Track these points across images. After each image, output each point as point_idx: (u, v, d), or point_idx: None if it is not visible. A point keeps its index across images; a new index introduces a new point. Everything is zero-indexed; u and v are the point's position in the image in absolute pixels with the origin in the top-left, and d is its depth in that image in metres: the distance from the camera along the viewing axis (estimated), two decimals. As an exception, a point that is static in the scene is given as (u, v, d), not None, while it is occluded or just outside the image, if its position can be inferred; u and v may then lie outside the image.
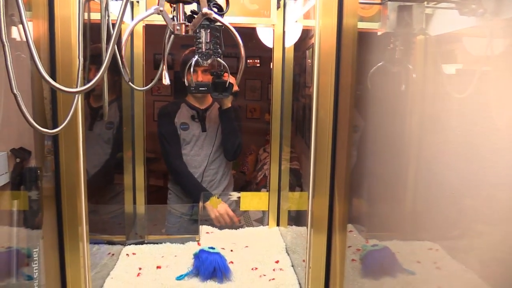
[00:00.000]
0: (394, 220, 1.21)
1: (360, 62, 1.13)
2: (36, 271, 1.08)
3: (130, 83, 1.13)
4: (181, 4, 0.71)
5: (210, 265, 1.39)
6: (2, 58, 0.68)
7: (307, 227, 1.16)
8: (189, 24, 0.72)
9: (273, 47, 1.85)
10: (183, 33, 0.73)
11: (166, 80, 0.98)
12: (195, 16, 0.76)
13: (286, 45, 1.83)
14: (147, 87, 1.12)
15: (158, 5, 0.71)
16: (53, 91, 1.07)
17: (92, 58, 1.36)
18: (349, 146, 1.12)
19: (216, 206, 1.95)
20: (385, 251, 1.29)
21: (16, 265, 1.09)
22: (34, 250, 1.07)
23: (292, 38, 1.80)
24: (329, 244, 1.15)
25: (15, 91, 0.70)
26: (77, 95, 0.91)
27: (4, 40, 0.67)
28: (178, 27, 0.72)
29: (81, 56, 0.94)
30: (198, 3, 0.73)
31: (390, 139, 1.15)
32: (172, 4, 0.73)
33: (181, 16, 0.72)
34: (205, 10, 0.72)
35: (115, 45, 0.74)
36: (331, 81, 1.10)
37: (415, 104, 1.10)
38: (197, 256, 1.44)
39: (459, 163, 0.78)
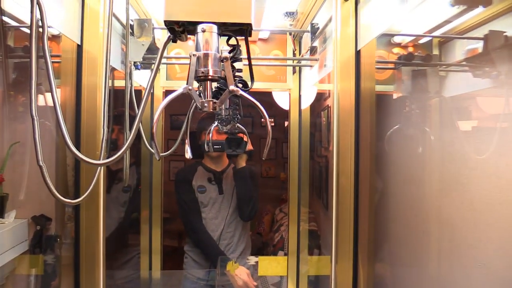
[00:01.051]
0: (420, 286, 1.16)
1: (378, 124, 1.14)
2: None
3: (151, 148, 1.15)
4: (208, 81, 0.74)
5: None
6: (29, 129, 0.70)
7: None
8: (216, 101, 0.74)
9: (290, 109, 1.89)
10: (211, 110, 0.75)
11: (188, 154, 1.01)
12: (221, 91, 0.79)
13: (302, 107, 1.86)
14: (167, 153, 1.13)
15: (187, 84, 0.73)
16: (77, 159, 1.09)
17: (116, 119, 1.40)
18: (371, 209, 1.10)
19: (234, 271, 1.90)
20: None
21: None
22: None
23: (307, 100, 1.84)
24: None
25: (41, 163, 0.71)
26: (99, 169, 0.92)
27: (34, 114, 0.69)
28: (206, 104, 0.74)
29: (105, 125, 0.96)
30: (225, 80, 0.76)
31: (409, 201, 1.13)
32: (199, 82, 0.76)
33: (209, 93, 0.74)
34: (232, 87, 0.74)
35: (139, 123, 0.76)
36: (351, 142, 1.10)
37: (433, 165, 1.09)
38: None
39: (483, 226, 0.76)
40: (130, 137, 0.70)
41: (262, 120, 4.58)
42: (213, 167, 2.10)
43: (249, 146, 1.99)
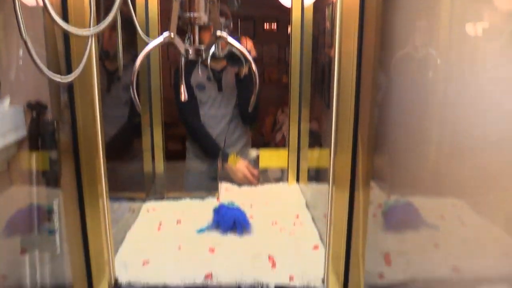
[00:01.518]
0: (417, 176, 1.17)
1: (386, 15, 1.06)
2: (57, 225, 1.09)
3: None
4: (195, 27, 0.69)
5: (229, 219, 1.38)
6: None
7: (329, 184, 1.14)
8: (201, 48, 0.70)
9: (292, 6, 1.78)
10: (195, 58, 0.72)
11: (184, 96, 0.98)
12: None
13: (305, 3, 1.76)
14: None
15: (170, 30, 0.69)
16: (66, 42, 1.04)
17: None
18: (372, 101, 1.07)
19: (235, 164, 1.94)
20: (407, 206, 1.26)
21: (38, 220, 1.10)
22: (55, 205, 1.07)
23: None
24: (351, 200, 1.13)
25: (24, 36, 0.67)
26: (90, 40, 0.88)
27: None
28: (190, 52, 0.71)
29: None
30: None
31: (414, 93, 1.09)
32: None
33: (196, 39, 0.71)
34: (219, 32, 0.71)
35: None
36: (354, 37, 1.04)
37: (441, 63, 1.04)
38: (217, 210, 1.44)
39: (485, 117, 0.74)
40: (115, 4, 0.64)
41: (265, 25, 4.43)
42: (212, 66, 2.05)
43: (253, 53, 1.93)
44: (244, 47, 1.67)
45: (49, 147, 1.12)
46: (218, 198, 1.71)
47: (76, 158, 1.08)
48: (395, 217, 1.28)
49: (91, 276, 1.11)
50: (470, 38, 0.77)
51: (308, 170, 1.91)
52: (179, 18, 0.69)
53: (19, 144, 1.07)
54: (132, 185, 1.84)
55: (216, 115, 2.07)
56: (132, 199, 1.66)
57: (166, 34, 0.68)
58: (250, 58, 0.78)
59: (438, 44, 0.98)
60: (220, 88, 2.04)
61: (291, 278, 1.18)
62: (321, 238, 1.40)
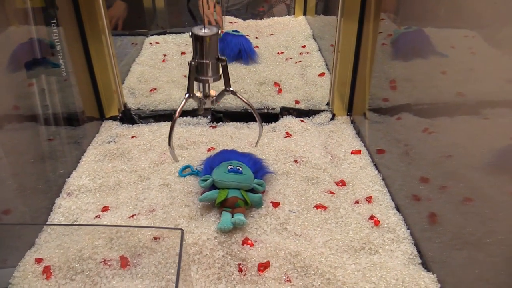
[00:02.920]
0: (429, 6, 1.09)
1: None
2: (62, 59, 1.06)
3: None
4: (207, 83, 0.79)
5: (235, 47, 1.35)
6: None
7: (337, 14, 1.07)
8: (214, 98, 0.81)
9: None
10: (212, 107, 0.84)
11: None
12: None
13: None
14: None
15: (188, 92, 0.79)
16: None
17: None
18: None
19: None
20: (418, 33, 1.21)
21: (41, 54, 1.07)
22: (56, 41, 1.03)
23: None
24: (360, 30, 1.08)
25: None
26: None
27: None
28: (205, 102, 0.82)
29: None
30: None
31: None
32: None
33: (208, 92, 0.81)
34: (230, 89, 0.81)
35: None
36: None
37: None
38: (221, 39, 1.39)
39: None
40: None
41: None
42: None
43: None
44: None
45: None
46: (221, 30, 1.65)
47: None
48: (405, 43, 1.24)
49: (101, 103, 1.13)
50: None
51: (316, 2, 1.80)
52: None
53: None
54: (133, 21, 1.77)
55: None
56: (134, 34, 1.60)
57: (186, 95, 0.78)
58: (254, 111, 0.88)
59: None
60: None
61: (296, 102, 1.19)
62: (327, 67, 1.38)
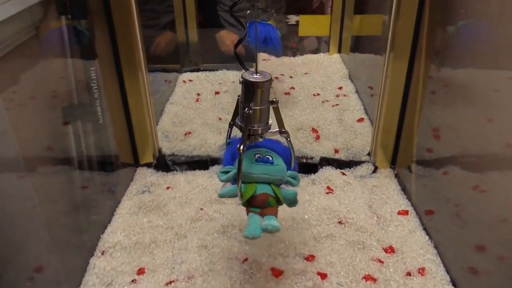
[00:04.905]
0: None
1: None
2: (98, 99, 1.04)
3: None
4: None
5: (261, 34, 1.24)
6: None
7: (386, 53, 1.02)
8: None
9: None
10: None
11: None
12: None
13: None
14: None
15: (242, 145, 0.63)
16: None
17: None
18: None
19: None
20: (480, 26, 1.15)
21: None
22: (92, 73, 1.01)
23: None
24: (409, 72, 1.03)
25: None
26: None
27: None
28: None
29: None
30: None
31: None
32: None
33: None
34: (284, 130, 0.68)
35: None
36: None
37: None
38: (249, 25, 1.26)
39: None
40: None
41: None
42: None
43: None
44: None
45: (79, 11, 1.02)
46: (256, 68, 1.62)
47: (110, 25, 0.99)
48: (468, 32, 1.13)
49: (136, 147, 1.11)
50: None
51: (352, 39, 1.76)
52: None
53: (45, 6, 0.98)
54: (166, 55, 1.77)
55: None
56: (167, 70, 1.59)
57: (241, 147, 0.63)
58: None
59: None
60: None
61: (336, 151, 1.15)
62: (365, 111, 1.34)
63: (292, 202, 0.66)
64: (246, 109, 0.63)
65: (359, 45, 1.70)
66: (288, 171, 0.67)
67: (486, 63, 0.83)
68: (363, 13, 1.76)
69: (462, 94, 1.00)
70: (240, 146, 0.61)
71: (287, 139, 0.69)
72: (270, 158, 0.66)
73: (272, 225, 0.59)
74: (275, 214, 0.63)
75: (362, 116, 1.30)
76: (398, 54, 1.00)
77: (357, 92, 1.47)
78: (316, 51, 2.28)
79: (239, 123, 0.67)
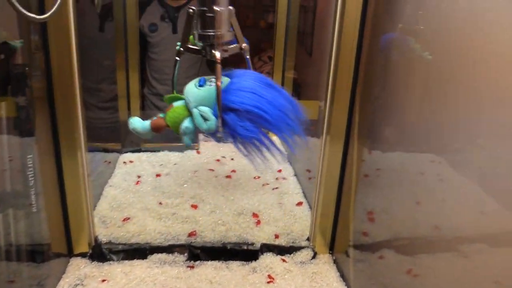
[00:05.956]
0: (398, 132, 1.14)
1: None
2: (32, 178, 1.01)
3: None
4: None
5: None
6: None
7: (322, 136, 1.09)
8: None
9: None
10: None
11: None
12: None
13: None
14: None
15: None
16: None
17: None
18: (374, 54, 1.00)
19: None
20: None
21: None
22: (29, 157, 0.98)
23: None
24: (344, 156, 1.09)
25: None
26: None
27: None
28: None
29: None
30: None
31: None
32: None
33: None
34: (244, 45, 0.72)
35: None
36: None
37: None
38: None
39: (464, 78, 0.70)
40: None
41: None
42: (168, 1, 1.89)
43: None
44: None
45: (20, 93, 1.01)
46: (198, 151, 1.65)
47: (51, 105, 0.98)
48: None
49: (70, 235, 1.06)
50: None
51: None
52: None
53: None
54: (107, 134, 1.75)
55: (169, 60, 1.88)
56: (107, 150, 1.57)
57: (177, 48, 0.68)
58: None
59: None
60: (174, 30, 1.88)
61: (276, 236, 1.16)
62: (304, 194, 1.38)
63: (182, 133, 0.74)
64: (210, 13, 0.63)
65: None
66: (204, 107, 0.70)
67: (411, 147, 0.91)
68: (299, 99, 1.88)
69: (392, 177, 1.08)
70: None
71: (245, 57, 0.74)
72: (210, 84, 0.70)
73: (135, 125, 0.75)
74: (155, 124, 0.75)
75: (301, 200, 1.34)
76: (333, 138, 1.07)
77: (295, 175, 1.52)
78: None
79: (196, 40, 0.67)
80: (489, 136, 0.62)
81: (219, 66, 0.68)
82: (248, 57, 0.74)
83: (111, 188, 1.35)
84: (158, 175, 1.44)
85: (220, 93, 0.68)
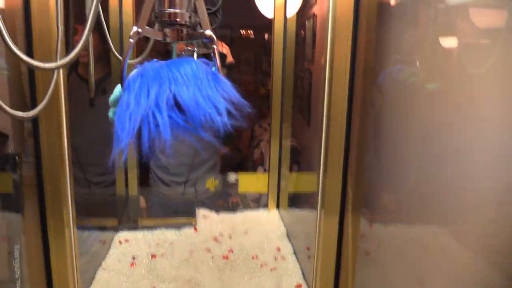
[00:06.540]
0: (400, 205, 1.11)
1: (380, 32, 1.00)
2: (18, 273, 0.97)
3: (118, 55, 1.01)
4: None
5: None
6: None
7: (317, 211, 1.06)
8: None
9: (274, 17, 1.72)
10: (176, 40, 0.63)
11: None
12: None
13: (288, 15, 1.70)
14: (137, 59, 1.00)
15: (137, 26, 0.59)
16: (31, 72, 0.95)
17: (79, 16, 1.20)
18: (365, 125, 1.00)
19: (213, 188, 1.85)
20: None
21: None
22: (16, 245, 0.96)
23: (293, 7, 1.67)
24: (340, 230, 1.06)
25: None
26: (56, 71, 0.79)
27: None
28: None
29: (60, 23, 0.81)
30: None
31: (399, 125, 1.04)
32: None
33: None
34: (208, 32, 0.61)
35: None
36: (346, 53, 0.97)
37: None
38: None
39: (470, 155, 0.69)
40: (85, 31, 0.56)
41: (242, 32, 4.33)
42: None
43: (229, 58, 1.83)
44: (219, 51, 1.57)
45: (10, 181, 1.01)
46: (195, 227, 1.61)
47: (40, 191, 0.97)
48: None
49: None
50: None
51: (289, 195, 1.83)
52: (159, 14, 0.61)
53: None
54: (103, 210, 1.73)
55: None
56: (103, 228, 1.54)
57: (133, 30, 0.58)
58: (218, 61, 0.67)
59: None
60: None
61: (274, 325, 1.10)
62: (303, 275, 1.33)
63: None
64: None
65: (296, 200, 1.76)
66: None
67: (410, 220, 0.88)
68: (298, 170, 1.87)
69: (393, 253, 1.03)
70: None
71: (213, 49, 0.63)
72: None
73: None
74: None
75: (300, 282, 1.28)
76: (328, 212, 1.04)
77: (295, 253, 1.47)
78: (257, 200, 2.34)
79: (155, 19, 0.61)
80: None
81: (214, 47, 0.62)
82: (215, 46, 0.63)
83: (104, 271, 1.30)
84: (153, 256, 1.40)
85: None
